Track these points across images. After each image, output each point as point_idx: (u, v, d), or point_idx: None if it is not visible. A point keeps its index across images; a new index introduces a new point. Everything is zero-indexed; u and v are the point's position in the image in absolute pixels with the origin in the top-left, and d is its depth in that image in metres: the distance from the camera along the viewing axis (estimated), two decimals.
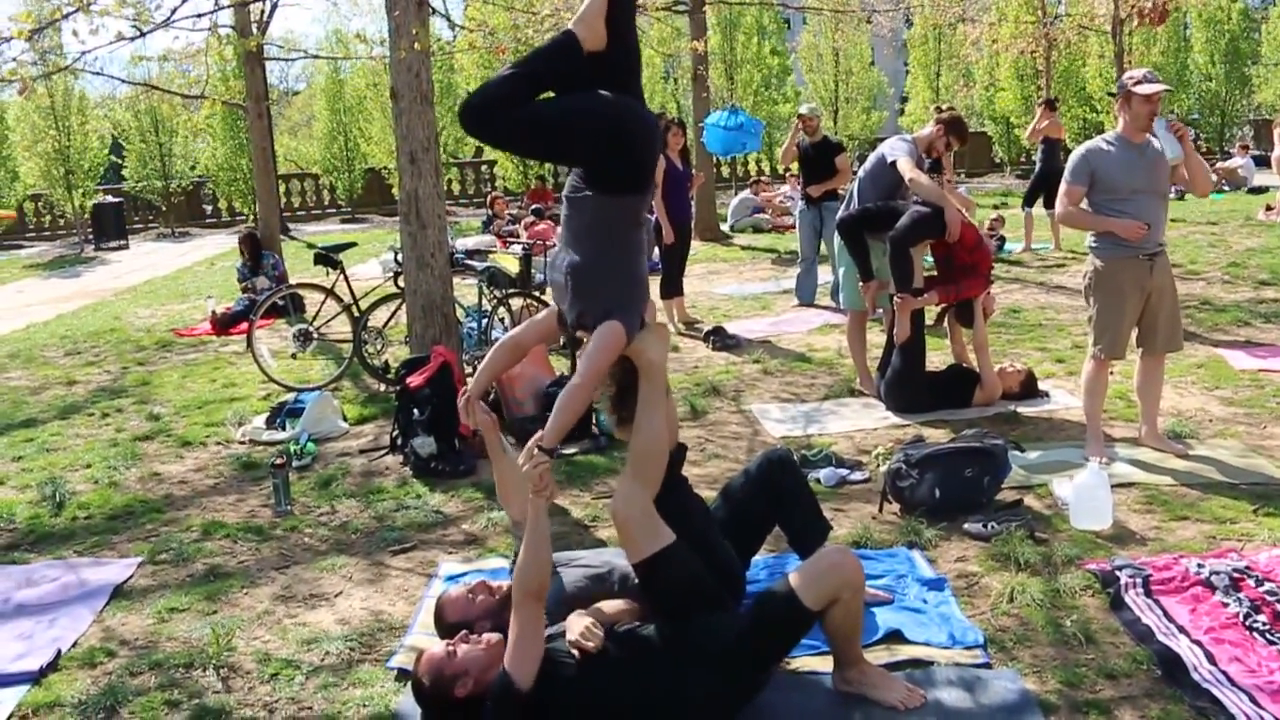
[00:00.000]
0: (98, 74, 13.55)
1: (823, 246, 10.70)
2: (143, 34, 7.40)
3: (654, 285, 9.82)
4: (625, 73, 3.48)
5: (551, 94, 3.42)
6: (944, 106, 7.27)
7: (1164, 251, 5.39)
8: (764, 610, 3.25)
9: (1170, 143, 5.25)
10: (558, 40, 3.43)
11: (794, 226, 14.68)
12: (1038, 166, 13.34)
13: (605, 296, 3.41)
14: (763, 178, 21.40)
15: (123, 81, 14.92)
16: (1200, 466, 5.28)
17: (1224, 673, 3.36)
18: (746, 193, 19.37)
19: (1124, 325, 5.37)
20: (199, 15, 8.33)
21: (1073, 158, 5.40)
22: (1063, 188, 5.40)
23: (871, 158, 6.93)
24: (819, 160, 10.39)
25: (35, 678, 3.81)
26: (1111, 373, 6.95)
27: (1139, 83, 5.19)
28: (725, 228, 17.84)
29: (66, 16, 6.96)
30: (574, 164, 3.49)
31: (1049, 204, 12.97)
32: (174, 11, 7.52)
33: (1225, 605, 3.77)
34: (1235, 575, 3.95)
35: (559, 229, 3.73)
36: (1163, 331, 5.43)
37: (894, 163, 6.58)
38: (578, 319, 3.48)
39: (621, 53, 3.46)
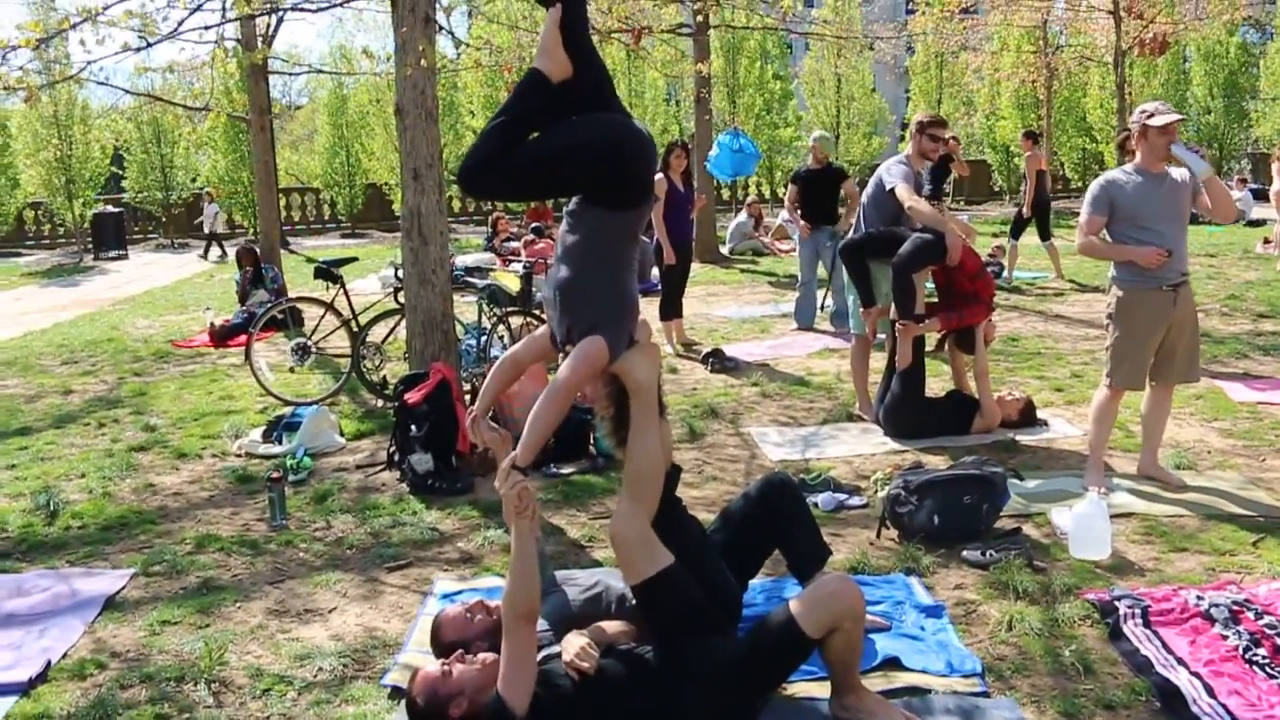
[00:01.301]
0: (102, 84, 13.62)
1: (821, 270, 10.72)
2: (149, 45, 7.40)
3: (653, 307, 9.84)
4: (599, 90, 3.51)
5: (538, 134, 3.43)
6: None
7: (1187, 282, 5.35)
8: (763, 636, 3.23)
9: (1195, 160, 5.18)
10: (527, 81, 3.46)
11: (792, 251, 14.72)
12: (1024, 198, 13.32)
13: (592, 312, 3.40)
14: (756, 202, 21.40)
15: (127, 92, 14.89)
16: (1200, 498, 5.26)
17: (1223, 705, 3.33)
18: (742, 216, 19.37)
19: (1142, 356, 5.33)
20: (205, 28, 8.32)
21: (1092, 188, 5.39)
22: (1083, 218, 5.38)
23: (872, 182, 6.94)
24: (822, 187, 10.40)
25: (24, 689, 3.78)
26: None
27: (1152, 115, 5.19)
28: (724, 250, 17.87)
29: (74, 26, 6.98)
30: (578, 193, 3.50)
31: (1044, 235, 13.01)
32: (181, 24, 7.53)
33: (1225, 638, 3.75)
34: (1235, 608, 3.93)
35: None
36: (1180, 362, 5.41)
37: (892, 190, 6.58)
38: (566, 334, 3.47)
39: (589, 72, 3.49)
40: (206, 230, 23.43)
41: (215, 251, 22.80)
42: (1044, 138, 20.37)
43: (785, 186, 12.94)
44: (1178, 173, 5.32)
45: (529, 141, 3.40)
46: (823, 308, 11.04)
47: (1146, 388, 5.51)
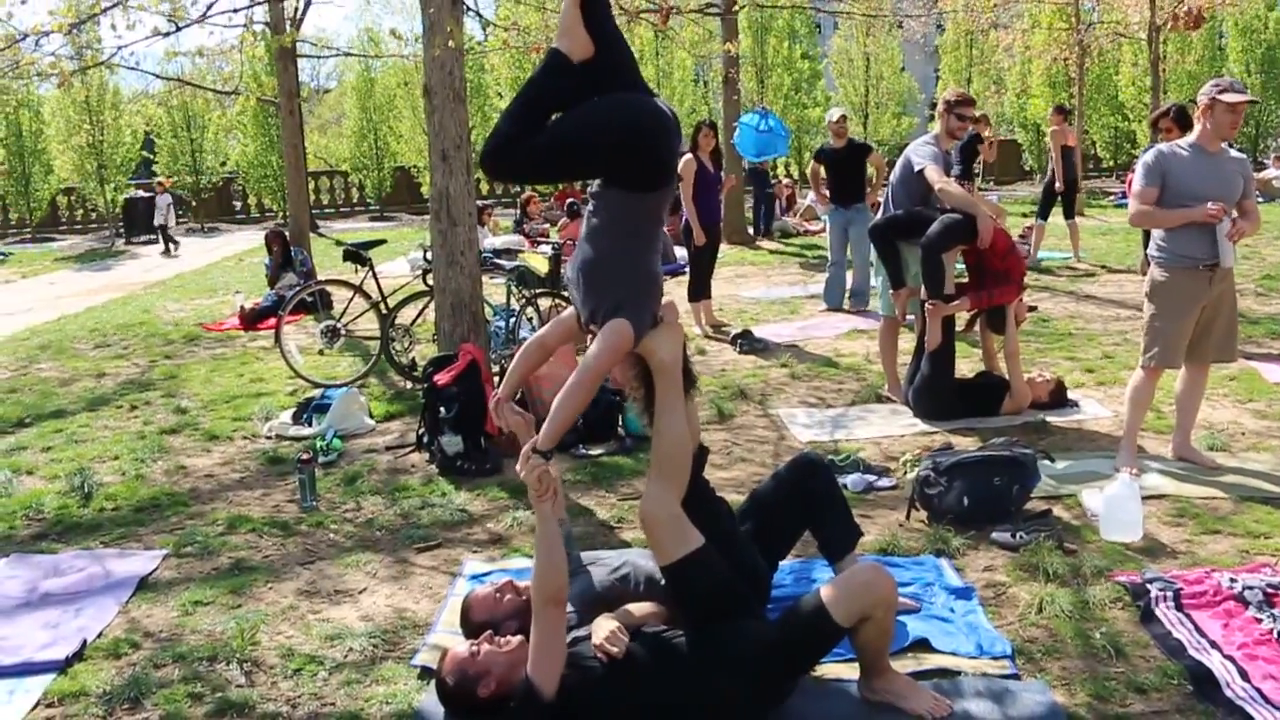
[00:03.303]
0: (133, 69, 13.67)
1: (850, 250, 10.67)
2: (178, 29, 7.45)
3: (681, 288, 9.83)
4: (622, 69, 3.46)
5: (560, 115, 3.39)
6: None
7: None
8: (794, 621, 3.23)
9: (1226, 250, 5.14)
10: (548, 61, 3.41)
11: (822, 231, 14.64)
12: (1049, 176, 13.13)
13: (615, 292, 3.37)
14: (782, 180, 21.24)
15: (157, 76, 14.99)
16: (1233, 480, 5.21)
17: (1258, 690, 3.30)
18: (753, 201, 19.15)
19: (1177, 336, 5.26)
20: (234, 11, 8.37)
21: (1146, 160, 5.30)
22: (1135, 189, 5.31)
23: (900, 163, 6.89)
24: (847, 164, 10.35)
25: (61, 667, 3.83)
26: None
27: (1225, 91, 5.09)
28: (751, 231, 17.76)
29: (105, 11, 7.02)
30: (600, 175, 3.48)
31: (1068, 213, 12.86)
32: (209, 7, 7.58)
33: (1259, 621, 3.72)
34: (1269, 590, 3.89)
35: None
36: (1216, 340, 5.35)
37: (921, 170, 6.53)
38: (590, 316, 3.46)
39: (611, 52, 3.44)
40: (157, 223, 21.81)
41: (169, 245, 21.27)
42: (1075, 116, 20.15)
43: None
44: (1234, 154, 5.25)
45: (550, 123, 3.37)
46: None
47: (1181, 368, 5.45)
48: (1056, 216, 13.03)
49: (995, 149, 13.62)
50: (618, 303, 3.34)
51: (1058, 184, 12.82)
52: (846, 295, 10.60)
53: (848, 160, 10.39)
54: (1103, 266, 12.46)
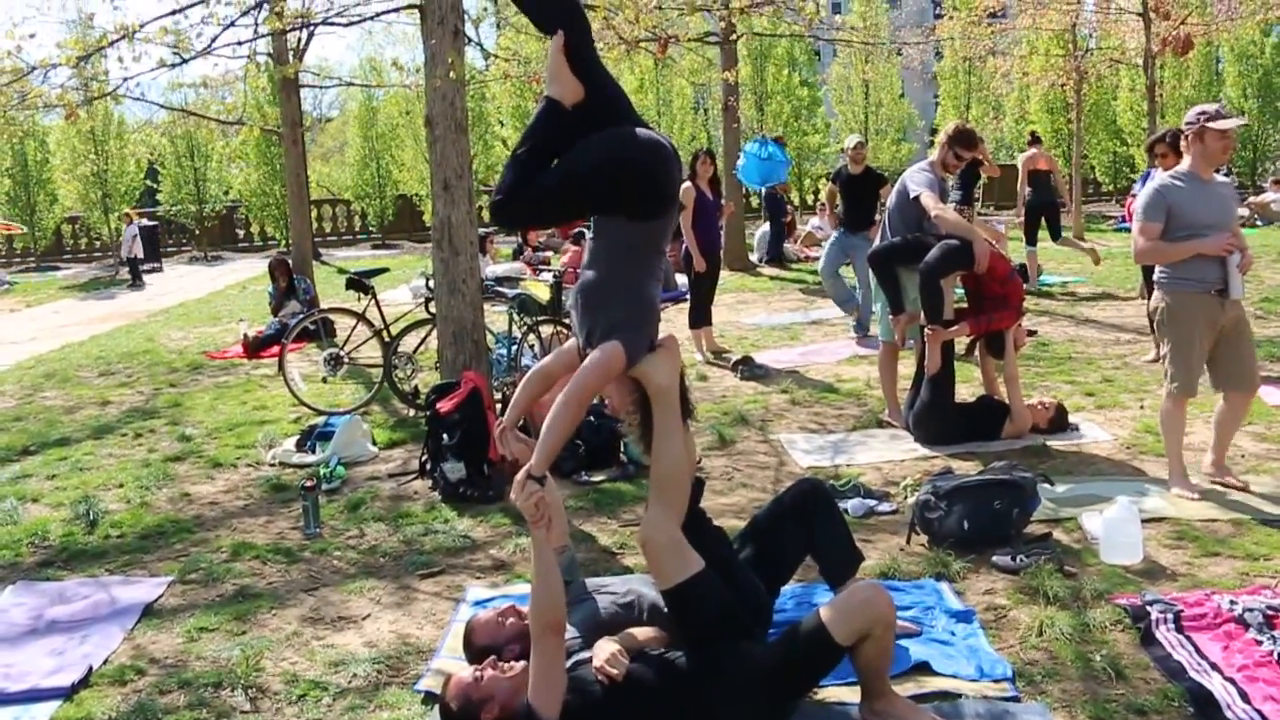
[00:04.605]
0: (138, 99, 13.82)
1: (852, 274, 10.73)
2: (184, 61, 7.53)
3: (682, 315, 9.86)
4: (614, 105, 3.57)
5: (560, 159, 3.49)
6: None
7: None
8: (794, 642, 3.25)
9: (1236, 281, 5.18)
10: (542, 109, 3.54)
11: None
12: (1027, 202, 13.24)
13: (611, 315, 3.43)
14: (787, 207, 21.30)
15: (162, 107, 15.11)
16: (1233, 502, 5.23)
17: (1258, 712, 3.32)
18: (767, 225, 19.21)
19: (1194, 361, 5.26)
20: (238, 43, 8.42)
21: (1146, 194, 5.33)
22: (1137, 225, 5.32)
23: (896, 189, 6.95)
24: (862, 191, 10.44)
25: (67, 694, 3.85)
26: (1141, 407, 6.93)
27: (1213, 118, 5.14)
28: (753, 257, 17.80)
29: (112, 44, 7.10)
30: (605, 210, 3.54)
31: (1055, 235, 12.97)
32: (214, 40, 7.65)
33: (1259, 643, 3.73)
34: (1269, 613, 3.90)
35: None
36: (1247, 367, 5.34)
37: (916, 198, 6.59)
38: (586, 338, 3.51)
39: (602, 90, 3.55)
40: (124, 255, 21.20)
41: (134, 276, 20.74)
42: (1075, 141, 20.28)
43: (814, 194, 12.99)
44: (1220, 178, 5.30)
45: (551, 168, 3.47)
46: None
47: (1219, 398, 5.45)
48: (1046, 241, 13.10)
49: (995, 166, 13.81)
50: (612, 325, 3.40)
51: (1017, 211, 13.05)
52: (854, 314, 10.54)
53: (863, 187, 10.47)
54: (1104, 292, 12.50)
